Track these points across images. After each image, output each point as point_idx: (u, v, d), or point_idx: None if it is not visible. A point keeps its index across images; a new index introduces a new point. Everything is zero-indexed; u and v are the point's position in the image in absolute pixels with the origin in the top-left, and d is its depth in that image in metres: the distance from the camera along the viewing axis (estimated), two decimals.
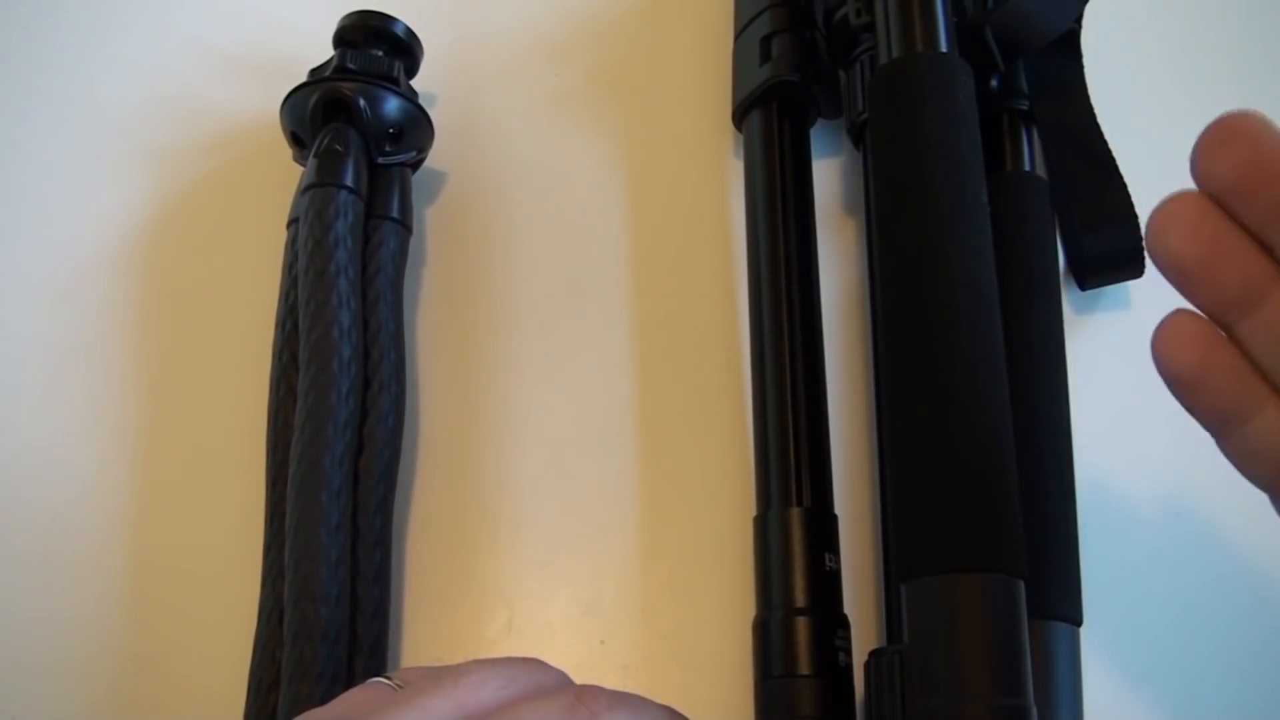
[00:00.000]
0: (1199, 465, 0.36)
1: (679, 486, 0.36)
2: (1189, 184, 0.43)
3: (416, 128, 0.38)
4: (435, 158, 0.40)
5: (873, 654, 0.28)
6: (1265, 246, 0.22)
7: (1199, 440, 0.37)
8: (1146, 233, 0.23)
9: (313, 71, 0.38)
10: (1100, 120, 0.38)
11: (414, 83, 0.40)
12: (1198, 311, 0.23)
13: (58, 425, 0.37)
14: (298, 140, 0.38)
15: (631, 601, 0.34)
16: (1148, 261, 0.37)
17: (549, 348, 0.38)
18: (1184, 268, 0.22)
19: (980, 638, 0.25)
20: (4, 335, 0.39)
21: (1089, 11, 0.38)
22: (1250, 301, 0.22)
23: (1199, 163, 0.22)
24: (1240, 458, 0.23)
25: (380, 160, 0.37)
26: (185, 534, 0.35)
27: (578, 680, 0.24)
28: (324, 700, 0.29)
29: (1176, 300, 0.40)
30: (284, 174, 0.39)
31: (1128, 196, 0.37)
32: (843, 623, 0.31)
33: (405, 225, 0.38)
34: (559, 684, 0.24)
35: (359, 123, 0.37)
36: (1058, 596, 0.31)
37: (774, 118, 0.38)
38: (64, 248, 0.40)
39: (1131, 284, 0.38)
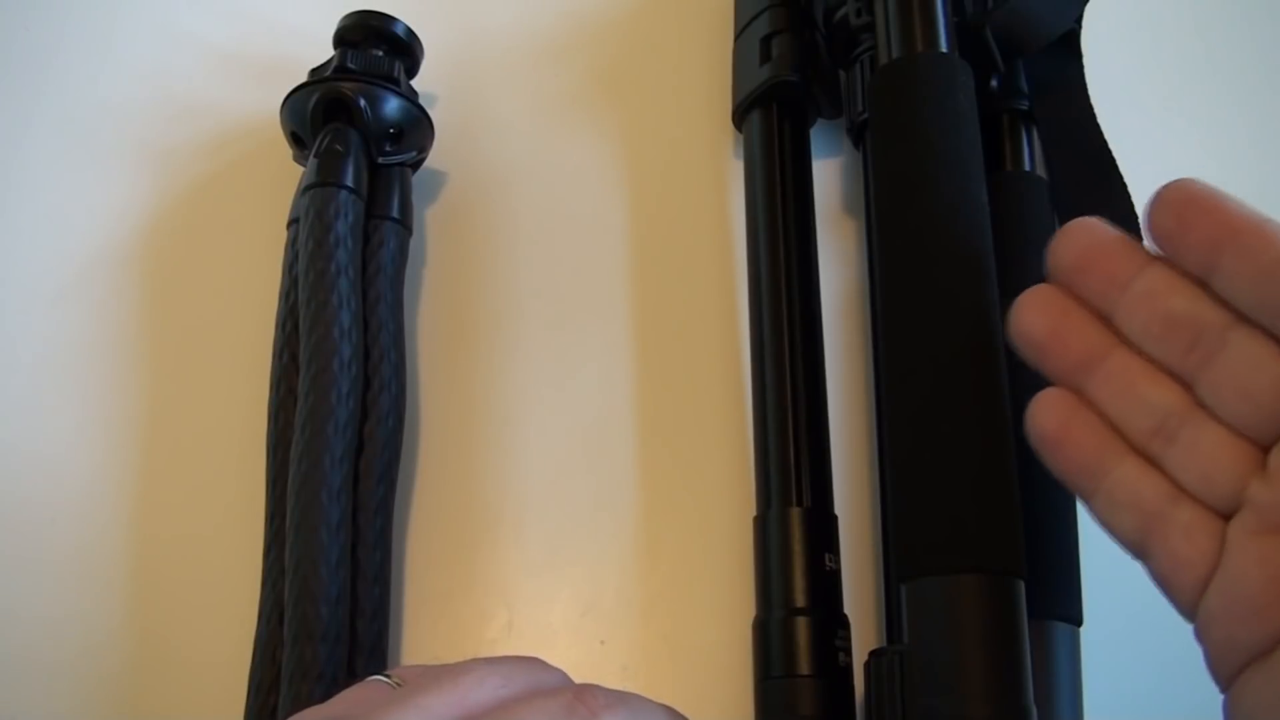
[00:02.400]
0: None
1: (679, 487, 0.36)
2: None
3: (417, 128, 0.38)
4: (435, 158, 0.40)
5: (873, 654, 0.28)
6: (1104, 317, 0.25)
7: None
8: (1009, 320, 0.26)
9: (313, 71, 0.38)
10: (1100, 120, 0.38)
11: (414, 83, 0.40)
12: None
13: (57, 425, 0.37)
14: (298, 140, 0.38)
15: (631, 602, 0.34)
16: None
17: (549, 347, 0.38)
18: (1035, 339, 0.26)
19: (980, 638, 0.25)
20: (3, 335, 0.39)
21: (1089, 11, 0.38)
22: (1094, 363, 0.25)
23: (1049, 255, 0.26)
24: (1106, 512, 0.25)
25: (380, 160, 0.37)
26: (185, 534, 0.35)
27: (577, 680, 0.24)
28: (324, 701, 0.29)
29: None
30: (284, 174, 0.39)
31: (1128, 196, 0.37)
32: (843, 623, 0.31)
33: (405, 225, 0.38)
34: (558, 683, 0.24)
35: (359, 123, 0.37)
36: (1058, 596, 0.31)
37: (774, 118, 0.38)
38: (64, 247, 0.40)
39: None
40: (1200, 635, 0.23)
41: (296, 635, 0.30)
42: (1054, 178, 0.37)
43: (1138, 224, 0.37)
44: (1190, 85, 0.43)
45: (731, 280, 0.39)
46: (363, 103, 0.36)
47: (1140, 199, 0.37)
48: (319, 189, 0.35)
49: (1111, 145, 0.38)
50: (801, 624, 0.30)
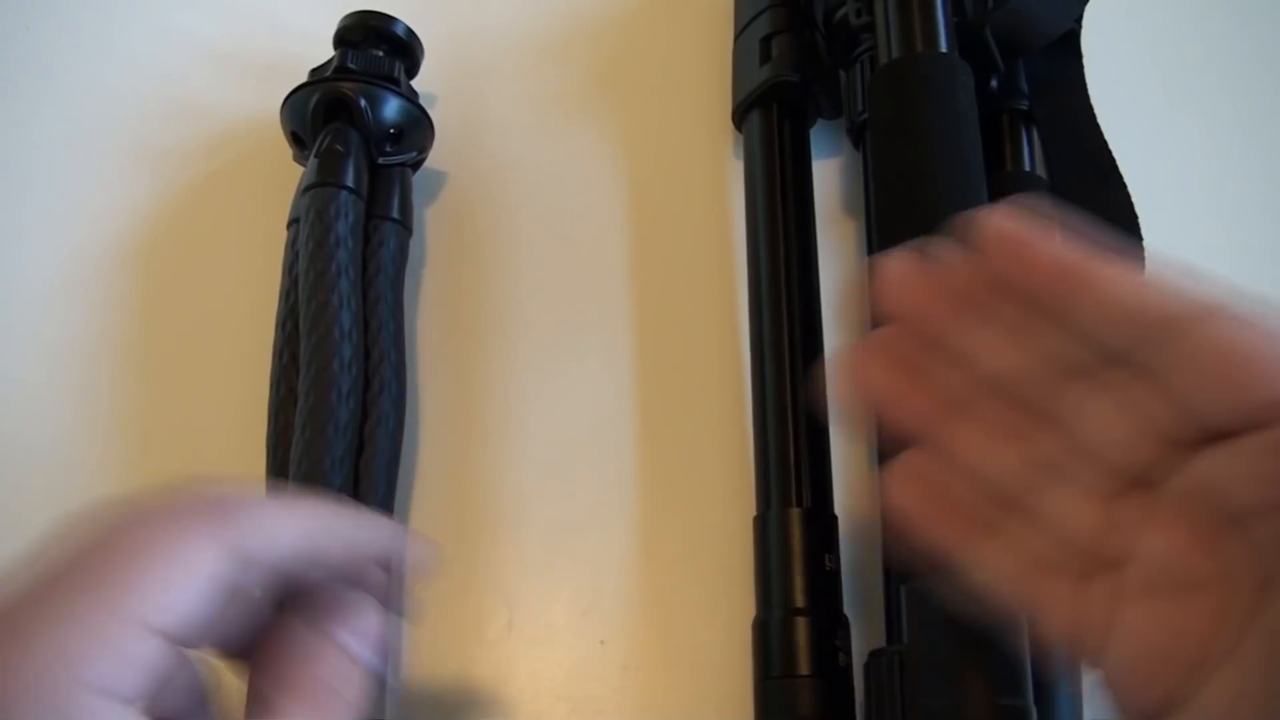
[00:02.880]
0: None
1: (679, 487, 0.36)
2: (1188, 184, 0.44)
3: (417, 128, 0.38)
4: (435, 158, 0.40)
5: (873, 654, 0.28)
6: (933, 379, 0.23)
7: None
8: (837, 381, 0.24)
9: (313, 71, 0.38)
10: (1100, 120, 0.38)
11: (414, 82, 0.40)
12: (918, 455, 0.24)
13: (57, 425, 0.37)
14: (298, 140, 0.38)
15: (631, 601, 0.34)
16: (1147, 261, 0.37)
17: (549, 348, 0.38)
18: (864, 416, 0.24)
19: (980, 638, 0.25)
20: (4, 334, 0.39)
21: (1089, 11, 0.38)
22: (935, 432, 0.23)
23: (879, 304, 0.24)
24: (983, 588, 0.23)
25: (380, 160, 0.37)
26: None
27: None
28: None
29: None
30: (284, 174, 0.39)
31: (1128, 196, 0.37)
32: (843, 623, 0.31)
33: (405, 225, 0.38)
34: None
35: (359, 123, 0.37)
36: None
37: (774, 118, 0.38)
38: (64, 247, 0.40)
39: None
40: (1103, 690, 0.22)
41: None
42: (1054, 178, 0.37)
43: (1137, 224, 0.37)
44: (1190, 85, 0.43)
45: (731, 280, 0.39)
46: (363, 103, 0.36)
47: (1140, 199, 0.37)
48: (319, 189, 0.35)
49: (1111, 145, 0.38)
50: (801, 624, 0.30)
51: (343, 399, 0.33)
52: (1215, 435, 0.21)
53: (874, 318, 0.24)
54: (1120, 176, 0.37)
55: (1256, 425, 0.20)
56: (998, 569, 0.23)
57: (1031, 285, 0.22)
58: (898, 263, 0.24)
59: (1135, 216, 0.37)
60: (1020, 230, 0.22)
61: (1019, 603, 0.23)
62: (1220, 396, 0.21)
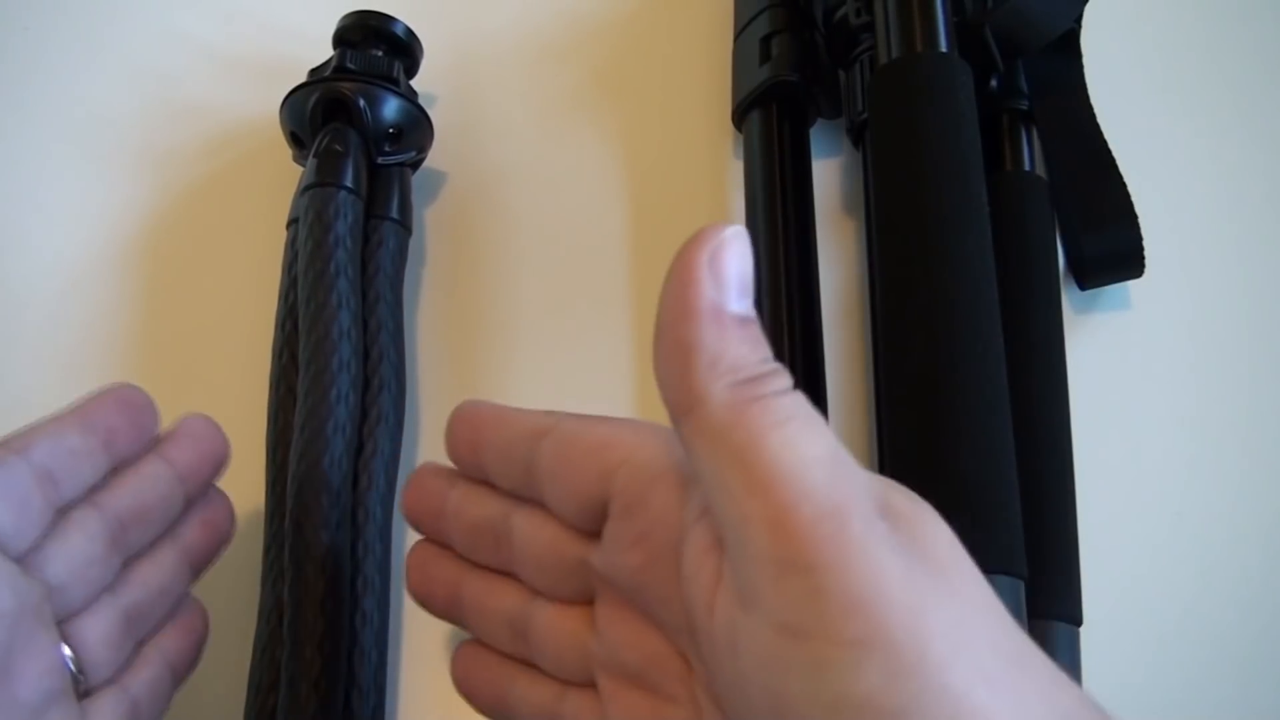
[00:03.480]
0: (1199, 465, 0.36)
1: None
2: (1188, 184, 0.44)
3: (416, 128, 0.38)
4: (435, 158, 0.40)
5: None
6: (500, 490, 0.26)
7: (1199, 440, 0.37)
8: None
9: (312, 71, 0.38)
10: (1100, 120, 0.38)
11: (414, 82, 0.40)
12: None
13: None
14: (297, 140, 0.38)
15: None
16: (1147, 261, 0.37)
17: (548, 348, 0.38)
18: (418, 596, 0.28)
19: None
20: (4, 335, 0.39)
21: (1089, 11, 0.38)
22: (457, 595, 0.27)
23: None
24: None
25: (380, 160, 0.37)
26: None
27: None
28: (326, 702, 0.29)
29: (1173, 302, 0.40)
30: (284, 174, 0.39)
31: (1128, 196, 0.37)
32: None
33: (405, 225, 0.38)
34: None
35: (359, 123, 0.37)
36: (1058, 596, 0.31)
37: (774, 118, 0.38)
38: (64, 248, 0.40)
39: (1131, 284, 0.38)
40: None
41: (297, 636, 0.30)
42: (1054, 178, 0.37)
43: (1137, 224, 0.37)
44: (1191, 84, 0.43)
45: None
46: (362, 103, 0.36)
47: (1140, 198, 0.37)
48: (318, 189, 0.35)
49: (1111, 145, 0.38)
50: None
51: (342, 398, 0.33)
52: (592, 534, 0.24)
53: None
54: (1120, 176, 0.37)
55: (604, 517, 0.23)
56: (527, 712, 0.25)
57: (463, 457, 0.26)
58: (415, 484, 0.28)
59: (1134, 216, 0.37)
60: (460, 410, 0.26)
61: None
62: (565, 499, 0.24)
